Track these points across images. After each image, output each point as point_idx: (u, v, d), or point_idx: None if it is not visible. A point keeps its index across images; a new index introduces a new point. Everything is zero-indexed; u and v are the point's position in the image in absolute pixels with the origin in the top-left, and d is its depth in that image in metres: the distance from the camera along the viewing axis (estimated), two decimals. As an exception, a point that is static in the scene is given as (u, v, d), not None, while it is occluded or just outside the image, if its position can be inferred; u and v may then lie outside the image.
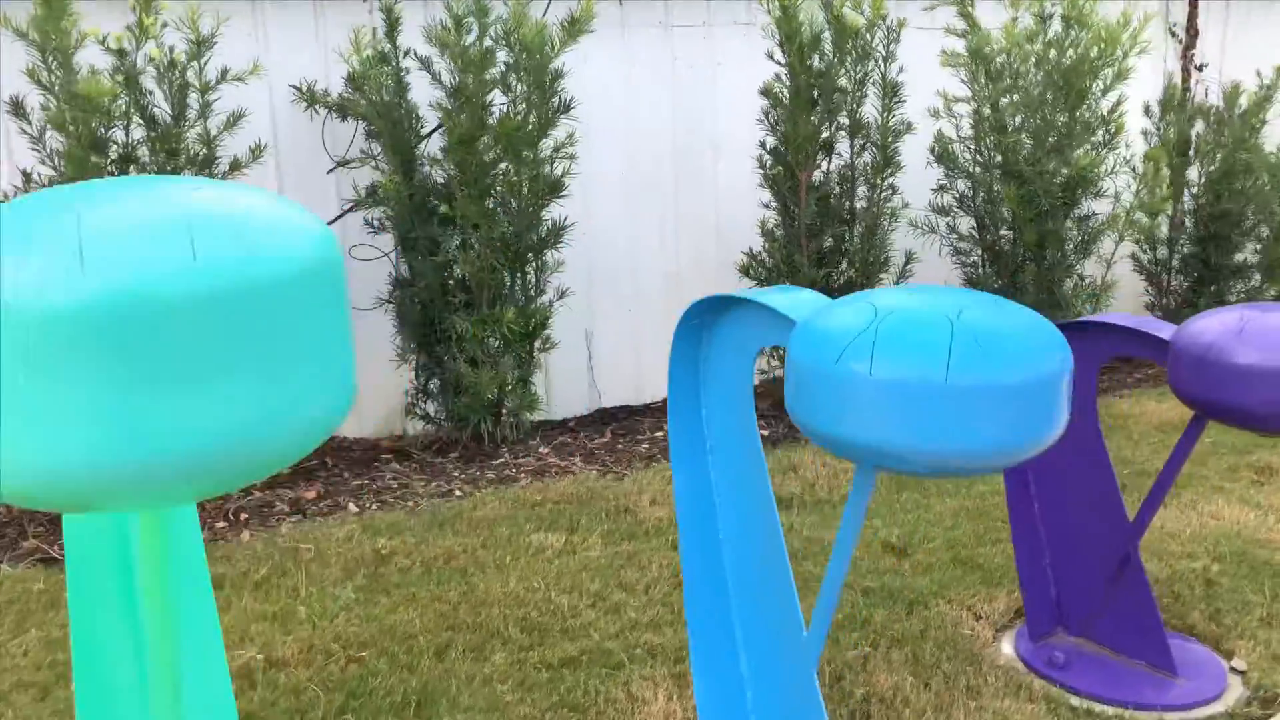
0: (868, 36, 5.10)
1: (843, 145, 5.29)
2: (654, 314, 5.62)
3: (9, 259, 1.10)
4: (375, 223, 4.86)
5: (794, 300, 2.10)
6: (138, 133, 4.18)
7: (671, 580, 3.32)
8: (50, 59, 3.99)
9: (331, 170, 4.91)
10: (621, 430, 5.24)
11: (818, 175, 5.24)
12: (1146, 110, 6.17)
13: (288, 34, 4.80)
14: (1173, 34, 7.14)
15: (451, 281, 4.79)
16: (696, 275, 5.65)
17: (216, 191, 1.30)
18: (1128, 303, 6.37)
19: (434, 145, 4.81)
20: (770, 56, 5.13)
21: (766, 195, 5.35)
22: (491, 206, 4.67)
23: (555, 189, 4.80)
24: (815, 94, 5.11)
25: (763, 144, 5.26)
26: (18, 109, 4.08)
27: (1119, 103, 5.51)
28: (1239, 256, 6.29)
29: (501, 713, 2.67)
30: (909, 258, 5.39)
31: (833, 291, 5.15)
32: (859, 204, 5.34)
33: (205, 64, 4.27)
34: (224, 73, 4.31)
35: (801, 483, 4.19)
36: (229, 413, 1.18)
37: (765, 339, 2.25)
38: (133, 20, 4.11)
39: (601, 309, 5.54)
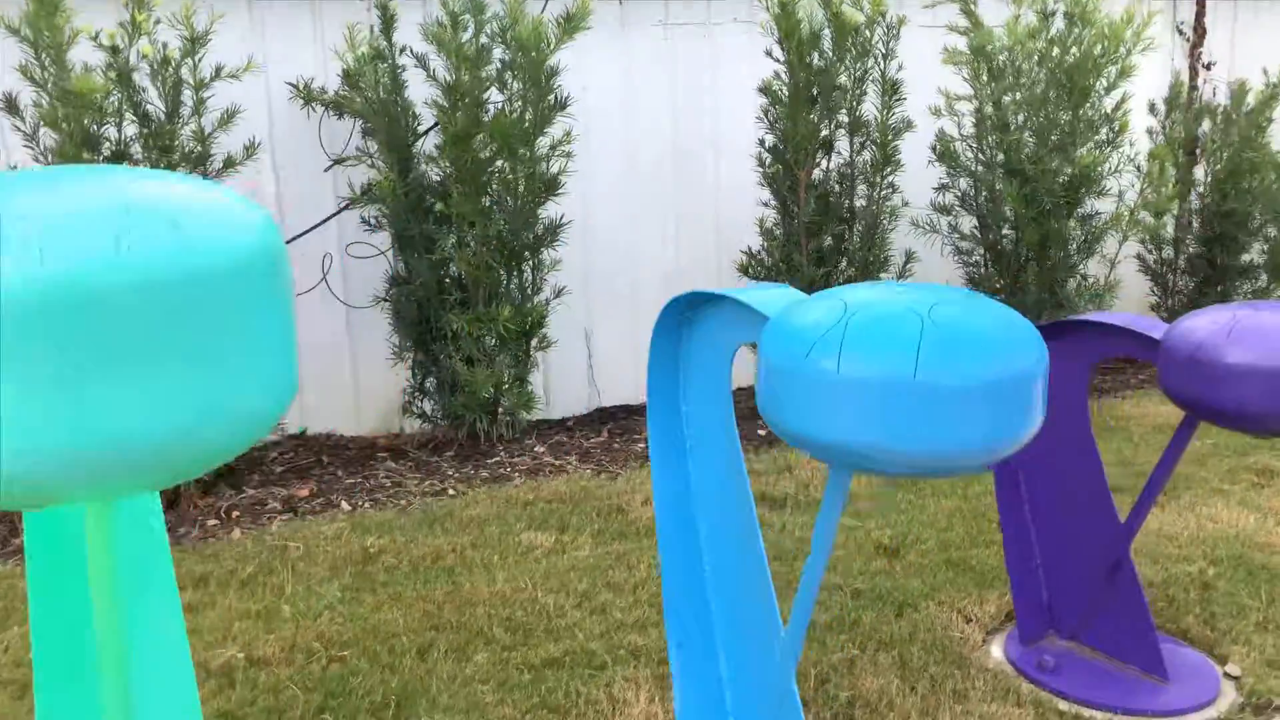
0: (867, 33, 5.06)
1: (842, 143, 5.25)
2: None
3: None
4: (372, 221, 4.84)
5: (769, 297, 2.07)
6: (131, 129, 4.16)
7: (659, 581, 3.27)
8: (43, 55, 3.98)
9: (329, 168, 4.89)
10: (619, 430, 5.21)
11: (817, 174, 5.21)
12: (1152, 109, 6.12)
13: (285, 32, 4.79)
14: (1180, 32, 7.08)
15: (447, 279, 4.77)
16: (697, 274, 5.62)
17: (157, 182, 1.28)
18: (1133, 303, 6.31)
19: (431, 143, 4.79)
20: (769, 54, 5.09)
21: (766, 194, 5.31)
22: (487, 204, 4.65)
23: (551, 187, 4.77)
24: (814, 92, 5.07)
25: (761, 142, 5.22)
26: (11, 106, 4.08)
27: (1123, 100, 5.46)
28: (1246, 257, 6.23)
29: (481, 713, 2.64)
30: (909, 257, 5.35)
31: (832, 291, 5.10)
32: (859, 203, 5.30)
33: (199, 61, 4.25)
34: (218, 70, 4.29)
35: (795, 483, 4.16)
36: (164, 404, 1.16)
37: (742, 336, 2.22)
38: (126, 17, 4.10)
39: (601, 308, 5.52)
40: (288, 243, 4.79)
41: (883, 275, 5.33)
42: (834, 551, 3.54)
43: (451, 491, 4.31)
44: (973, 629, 3.05)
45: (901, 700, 2.68)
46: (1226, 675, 2.87)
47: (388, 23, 4.66)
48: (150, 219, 1.18)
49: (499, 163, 4.66)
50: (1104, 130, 5.50)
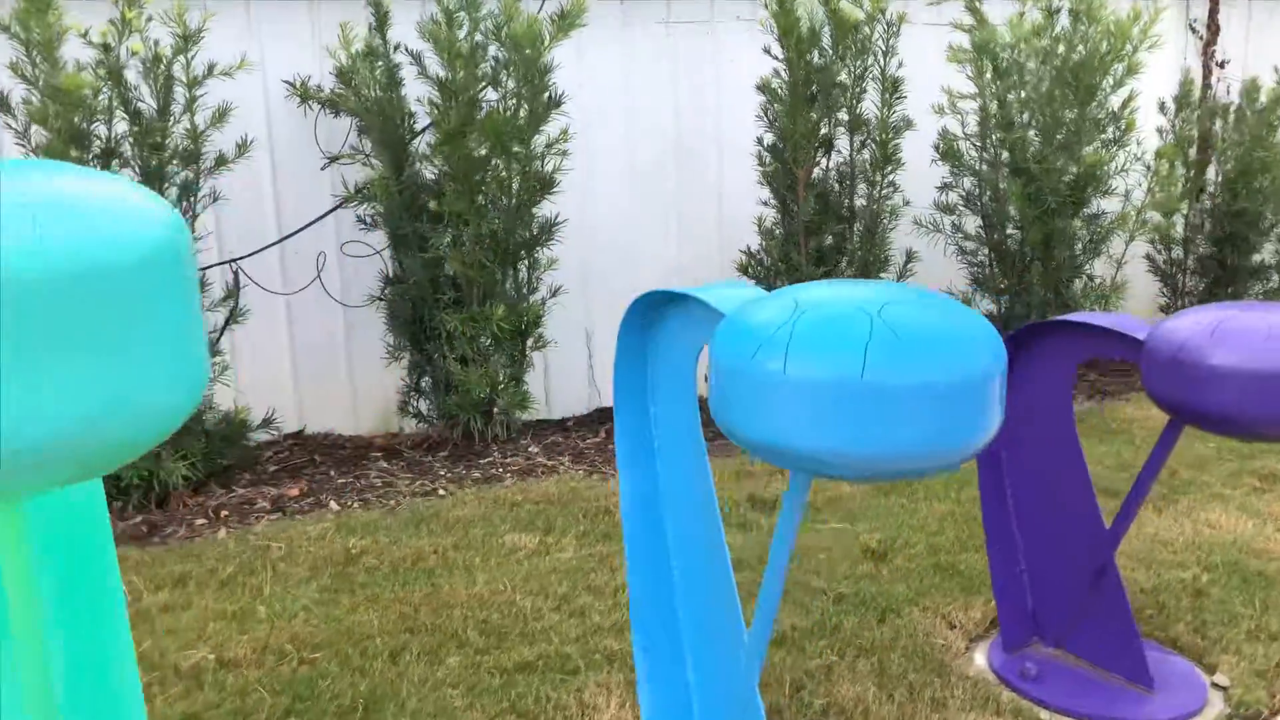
0: (867, 30, 5.00)
1: (842, 142, 5.20)
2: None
3: None
4: (367, 219, 4.82)
5: (729, 295, 2.02)
6: (122, 127, 4.15)
7: (641, 584, 3.24)
8: (33, 53, 3.97)
9: (325, 167, 4.87)
10: (616, 430, 5.16)
11: (816, 173, 5.15)
12: (1161, 107, 6.03)
13: (282, 30, 4.76)
14: (1193, 30, 6.98)
15: (442, 278, 4.73)
16: (699, 274, 5.56)
17: (69, 177, 1.28)
18: (1142, 304, 6.23)
19: (426, 141, 4.75)
20: (767, 51, 5.04)
21: (766, 193, 5.26)
22: (482, 203, 4.61)
23: (547, 186, 4.73)
24: (814, 90, 5.01)
25: (759, 140, 5.17)
26: (2, 103, 4.06)
27: (1130, 99, 5.38)
28: (1257, 257, 6.14)
29: (449, 718, 2.60)
30: (909, 256, 5.29)
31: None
32: (859, 202, 5.24)
33: (192, 58, 4.23)
34: (210, 68, 4.27)
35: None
36: (67, 398, 1.15)
37: (705, 335, 2.16)
38: (116, 14, 4.08)
39: (601, 308, 5.47)
40: (282, 241, 4.78)
41: (883, 275, 5.27)
42: (819, 555, 3.49)
43: (442, 492, 4.27)
44: (956, 636, 2.99)
45: (878, 708, 2.63)
46: (1214, 685, 2.80)
47: (381, 20, 4.63)
48: (57, 212, 1.18)
49: (495, 161, 4.63)
50: (1110, 129, 5.43)
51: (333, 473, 4.56)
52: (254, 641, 2.93)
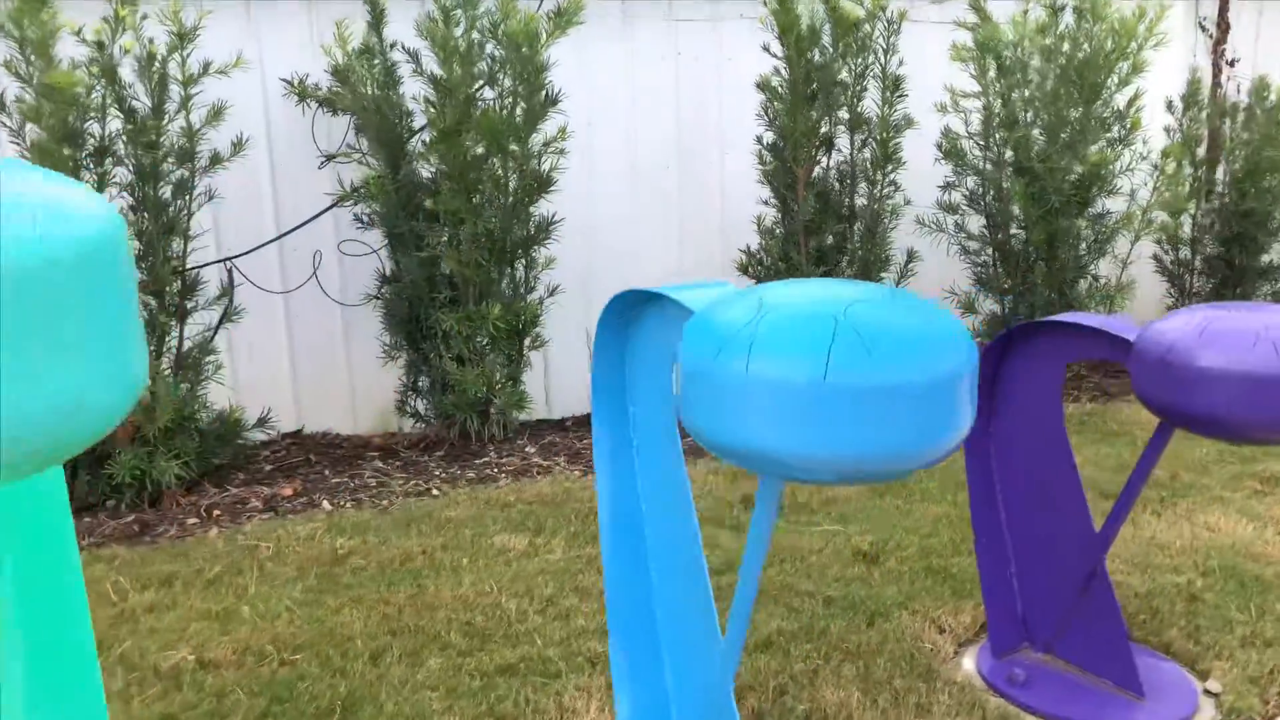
0: (867, 28, 4.96)
1: (843, 140, 5.16)
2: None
3: None
4: (364, 218, 4.80)
5: (703, 294, 1.99)
6: (116, 125, 4.13)
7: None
8: (28, 50, 3.96)
9: (322, 166, 4.85)
10: (614, 430, 5.13)
11: (817, 171, 5.11)
12: (1169, 106, 5.97)
13: (281, 27, 4.75)
14: (1203, 28, 6.92)
15: (439, 277, 4.71)
16: (701, 273, 5.53)
17: (5, 174, 1.26)
18: (1148, 305, 6.17)
19: (423, 140, 4.73)
20: (766, 49, 5.01)
21: (766, 192, 5.22)
22: (478, 201, 4.58)
23: (544, 184, 4.70)
24: (814, 88, 4.98)
25: (759, 139, 5.14)
26: (-3, 101, 4.06)
27: (1135, 97, 5.33)
28: (1265, 258, 6.07)
29: (427, 721, 2.58)
30: (910, 256, 5.24)
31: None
32: (859, 201, 5.20)
33: (187, 57, 4.22)
34: (206, 66, 4.25)
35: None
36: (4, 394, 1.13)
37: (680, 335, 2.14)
38: (110, 12, 4.07)
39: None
40: (275, 240, 4.76)
41: (884, 275, 5.23)
42: (810, 557, 3.46)
43: (435, 492, 4.25)
44: (945, 640, 2.95)
45: (861, 713, 2.59)
46: (1206, 692, 2.75)
47: (378, 17, 4.61)
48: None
49: (491, 160, 4.60)
50: (1116, 128, 5.37)
51: (327, 472, 4.54)
52: (235, 642, 2.91)
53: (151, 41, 4.13)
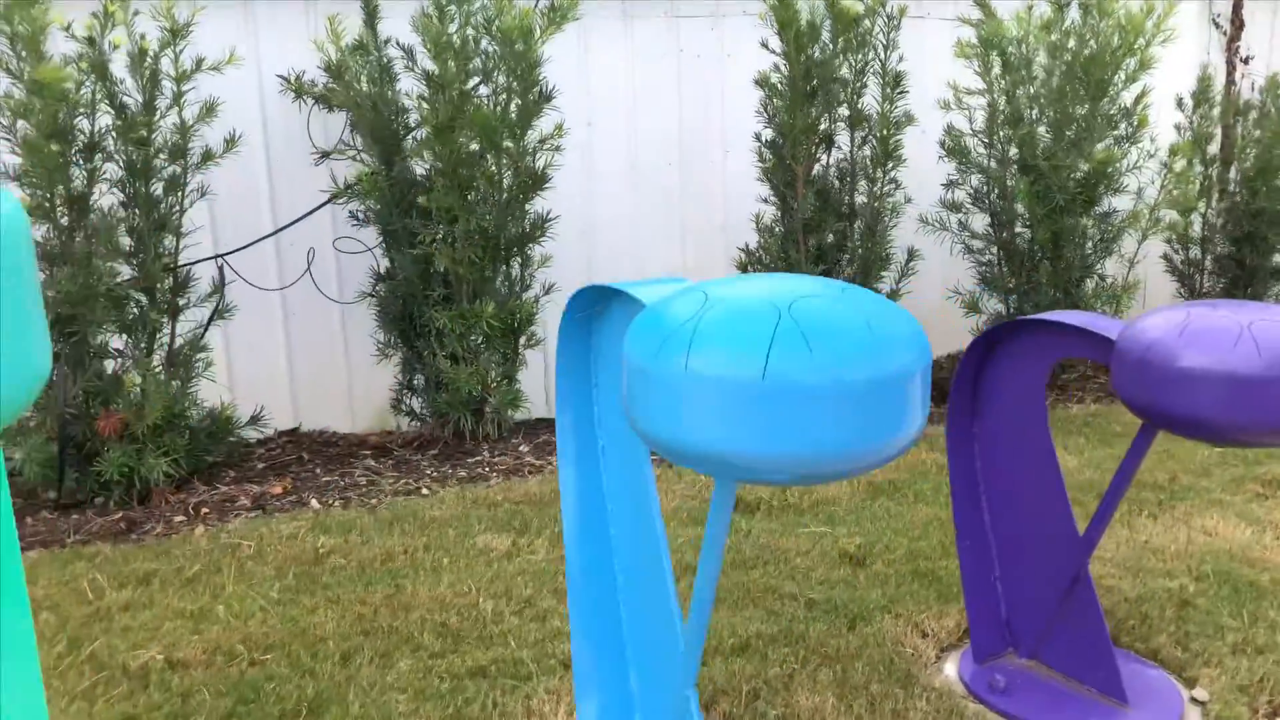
0: (868, 24, 4.90)
1: (843, 138, 5.10)
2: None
3: None
4: (360, 215, 4.77)
5: (661, 291, 1.94)
6: (106, 121, 4.11)
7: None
8: (18, 46, 3.94)
9: (319, 163, 4.82)
10: (611, 430, 5.09)
11: (816, 169, 5.05)
12: (1179, 103, 5.87)
13: (279, 24, 4.72)
14: (1216, 25, 6.82)
15: (432, 274, 4.67)
16: (703, 272, 5.49)
17: None
18: (1159, 305, 6.07)
19: (414, 137, 4.70)
20: (765, 45, 4.95)
21: (765, 189, 5.17)
22: (472, 199, 4.55)
23: (539, 182, 4.66)
24: (813, 84, 4.92)
25: (758, 136, 5.08)
26: (-12, 97, 4.05)
27: (1143, 94, 5.24)
28: (1277, 257, 5.97)
29: (393, 724, 2.54)
30: (911, 255, 5.18)
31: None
32: (859, 199, 5.13)
33: (180, 53, 4.20)
34: (199, 62, 4.23)
35: (772, 488, 4.00)
36: None
37: (640, 332, 2.09)
38: (100, 8, 4.06)
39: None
40: (268, 237, 4.74)
41: (884, 274, 5.16)
42: (796, 559, 3.40)
43: (425, 491, 4.22)
44: (927, 645, 2.89)
45: (834, 719, 2.54)
46: (1193, 700, 2.68)
47: (371, 13, 4.59)
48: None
49: (486, 156, 4.57)
50: (1123, 125, 5.29)
51: (319, 471, 4.51)
52: (206, 642, 2.88)
53: (143, 37, 4.12)
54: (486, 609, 3.07)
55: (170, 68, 4.16)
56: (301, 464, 4.62)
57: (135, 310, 4.21)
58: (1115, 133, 5.28)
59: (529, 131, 4.58)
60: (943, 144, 5.35)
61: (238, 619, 3.03)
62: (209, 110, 4.28)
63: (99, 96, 4.07)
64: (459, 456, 4.64)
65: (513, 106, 4.52)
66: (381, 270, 4.84)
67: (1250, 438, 2.23)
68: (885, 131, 5.00)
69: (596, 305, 2.27)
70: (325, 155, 4.78)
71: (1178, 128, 5.86)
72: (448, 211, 4.46)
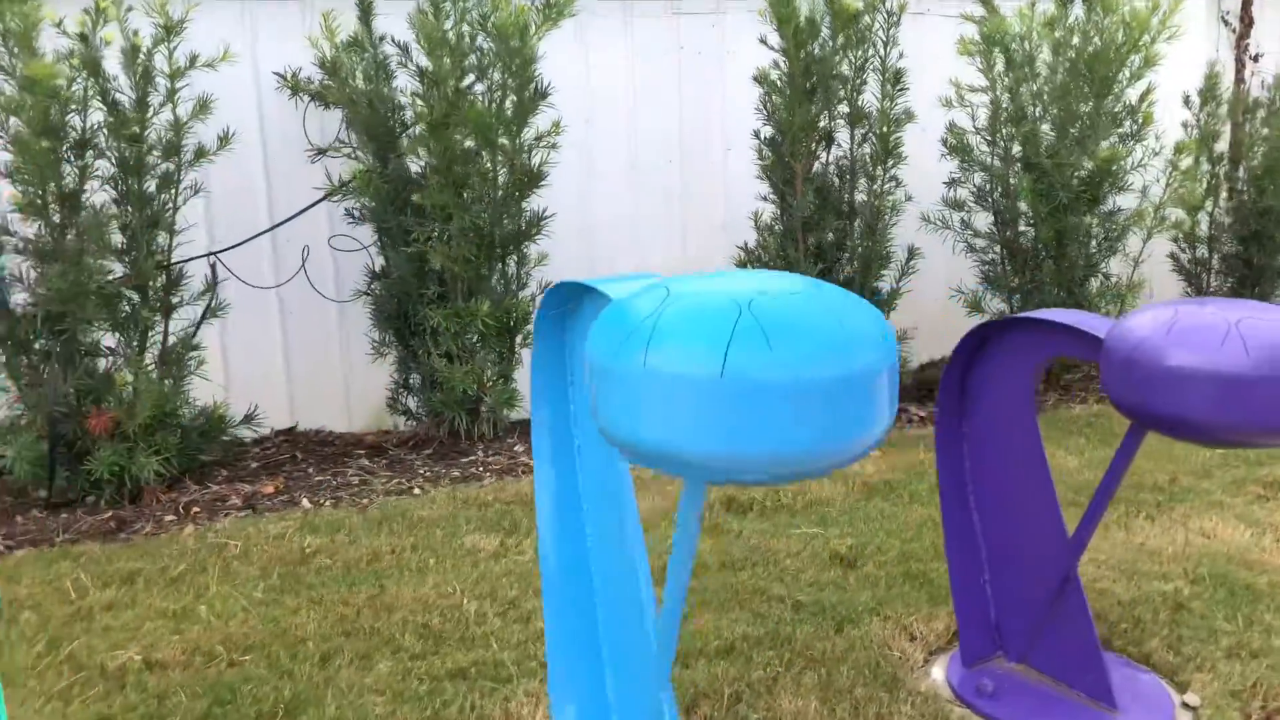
0: (867, 20, 4.85)
1: (843, 135, 5.05)
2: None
3: None
4: (355, 213, 4.75)
5: (630, 287, 1.90)
6: (98, 117, 4.09)
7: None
8: (10, 43, 3.93)
9: (315, 160, 4.80)
10: (608, 430, 5.05)
11: (816, 167, 5.01)
12: (1186, 101, 5.80)
13: (276, 21, 4.70)
14: (1225, 22, 6.75)
15: (427, 273, 4.64)
16: (703, 270, 5.44)
17: None
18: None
19: (408, 134, 4.67)
20: (763, 41, 4.91)
21: (765, 188, 5.13)
22: (467, 196, 4.52)
23: (534, 179, 4.63)
24: (812, 81, 4.87)
25: (756, 134, 5.04)
26: (-22, 94, 4.03)
27: (1148, 91, 5.18)
28: (1285, 257, 5.91)
29: (369, 726, 2.51)
30: (911, 253, 5.12)
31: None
32: (859, 197, 5.09)
33: (174, 49, 4.18)
34: (193, 59, 4.21)
35: (765, 488, 3.96)
36: None
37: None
38: (91, 4, 4.04)
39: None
40: (261, 235, 4.71)
41: (885, 272, 5.12)
42: (785, 560, 3.36)
43: (417, 490, 4.19)
44: (915, 648, 2.85)
45: (817, 724, 2.50)
46: (1184, 705, 2.63)
47: (366, 10, 4.56)
48: None
49: (483, 154, 4.53)
50: (1127, 123, 5.23)
51: (311, 470, 4.49)
52: (185, 642, 2.86)
53: (136, 34, 4.10)
54: (470, 610, 3.04)
55: (164, 64, 4.14)
56: (295, 463, 4.60)
57: (127, 308, 4.19)
58: (1120, 130, 5.22)
59: (525, 129, 4.55)
60: (945, 142, 5.30)
61: (219, 619, 3.00)
62: (203, 107, 4.26)
63: (91, 93, 4.06)
64: (453, 456, 4.61)
65: (508, 103, 4.49)
66: (377, 268, 4.82)
67: (1239, 438, 2.19)
68: (885, 129, 4.95)
69: (570, 302, 2.24)
70: (321, 152, 4.76)
71: (1185, 126, 5.80)
72: (442, 209, 4.43)
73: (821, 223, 5.00)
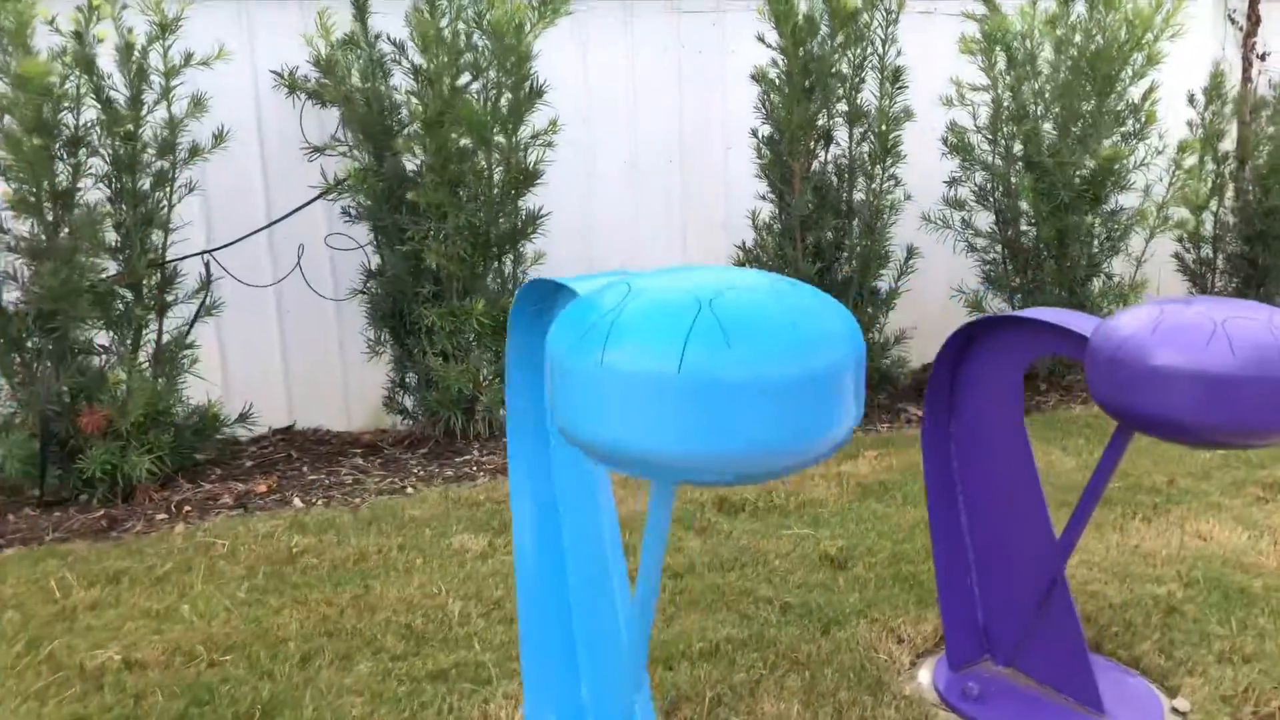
0: (866, 18, 4.82)
1: (842, 134, 5.02)
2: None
3: None
4: (352, 212, 4.73)
5: (600, 285, 1.88)
6: (91, 115, 4.08)
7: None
8: (3, 40, 3.92)
9: (313, 159, 4.78)
10: (605, 430, 5.02)
11: (815, 165, 4.97)
12: (1191, 100, 5.75)
13: (273, 19, 4.69)
14: (1232, 20, 6.69)
15: (422, 271, 4.62)
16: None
17: None
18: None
19: (403, 133, 4.65)
20: (761, 39, 4.88)
21: (763, 186, 5.10)
22: (463, 195, 4.49)
23: (530, 178, 4.60)
24: (811, 79, 4.84)
25: (754, 132, 5.01)
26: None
27: (1151, 90, 5.14)
28: (1290, 257, 5.85)
29: (345, 727, 2.48)
30: (910, 252, 5.09)
31: (829, 289, 4.89)
32: (858, 196, 5.05)
33: (169, 47, 4.17)
34: (188, 57, 4.20)
35: (759, 488, 3.93)
36: None
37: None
38: (84, 2, 4.03)
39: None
40: (256, 233, 4.69)
41: (884, 272, 5.08)
42: (775, 561, 3.33)
43: (410, 490, 4.17)
44: (902, 650, 2.81)
45: (798, 727, 2.47)
46: (1174, 711, 2.59)
47: (361, 8, 4.54)
48: None
49: (478, 152, 4.51)
50: (1130, 122, 5.19)
51: (305, 469, 4.47)
52: (166, 642, 2.84)
53: (130, 31, 4.09)
54: (454, 611, 3.01)
55: (159, 62, 4.13)
56: (289, 462, 4.58)
57: (121, 306, 4.18)
58: (1122, 129, 5.18)
59: (521, 127, 4.53)
60: (946, 140, 5.27)
61: (201, 619, 2.99)
62: (198, 104, 4.25)
63: (84, 90, 4.04)
64: (448, 455, 4.59)
65: (503, 101, 4.46)
66: (372, 267, 4.80)
67: (1224, 439, 2.15)
68: (884, 127, 4.92)
69: (545, 300, 2.21)
70: (318, 151, 4.74)
71: (1190, 124, 5.74)
72: (437, 207, 4.41)
73: (820, 222, 4.97)
